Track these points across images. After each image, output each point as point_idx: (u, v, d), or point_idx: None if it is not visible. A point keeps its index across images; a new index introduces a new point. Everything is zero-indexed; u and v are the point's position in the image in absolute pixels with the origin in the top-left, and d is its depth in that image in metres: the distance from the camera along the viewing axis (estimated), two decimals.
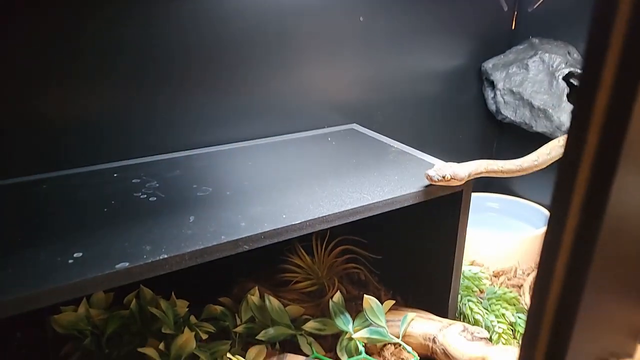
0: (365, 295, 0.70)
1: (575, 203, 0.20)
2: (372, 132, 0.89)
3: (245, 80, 0.80)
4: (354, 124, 0.95)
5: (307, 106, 0.89)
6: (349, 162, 0.73)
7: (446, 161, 0.70)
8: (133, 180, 0.64)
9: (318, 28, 0.84)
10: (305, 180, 0.65)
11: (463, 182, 0.64)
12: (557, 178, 0.21)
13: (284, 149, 0.79)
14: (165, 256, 0.45)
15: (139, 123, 0.74)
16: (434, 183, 0.62)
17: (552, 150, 0.70)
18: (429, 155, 0.76)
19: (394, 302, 0.74)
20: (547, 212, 1.05)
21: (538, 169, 0.70)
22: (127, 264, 0.44)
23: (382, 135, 0.87)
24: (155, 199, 0.58)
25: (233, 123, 0.81)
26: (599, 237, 0.20)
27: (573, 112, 0.20)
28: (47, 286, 0.39)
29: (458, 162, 0.67)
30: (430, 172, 0.62)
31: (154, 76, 0.73)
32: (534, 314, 0.23)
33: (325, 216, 0.55)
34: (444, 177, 0.62)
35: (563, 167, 0.20)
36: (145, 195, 0.59)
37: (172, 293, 0.66)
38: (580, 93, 0.19)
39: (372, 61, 0.93)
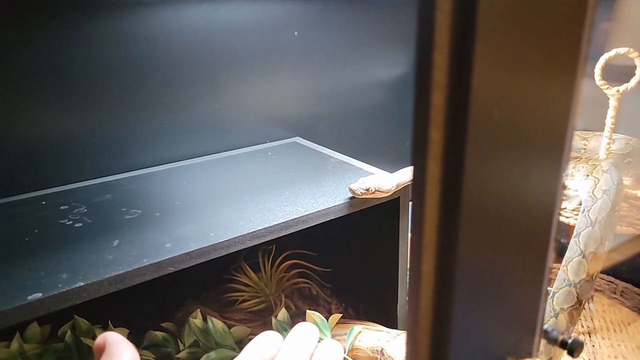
0: (307, 311, 0.69)
1: (431, 177, 0.20)
2: (314, 144, 0.89)
3: (177, 100, 0.79)
4: (297, 137, 0.95)
5: (246, 122, 0.89)
6: (286, 175, 0.72)
7: (393, 170, 0.70)
8: (61, 207, 0.62)
9: (251, 44, 0.84)
10: (238, 196, 0.64)
11: (389, 193, 0.63)
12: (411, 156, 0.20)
13: (221, 166, 0.78)
14: (82, 284, 0.44)
15: (69, 148, 0.72)
16: (357, 196, 0.61)
17: None
18: (368, 165, 0.77)
19: (340, 315, 0.74)
20: None
21: None
22: (40, 294, 0.42)
23: (324, 147, 0.87)
24: (81, 224, 0.57)
25: (167, 143, 0.80)
26: (461, 208, 0.19)
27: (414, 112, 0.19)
28: None
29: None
30: (353, 186, 0.61)
31: (83, 100, 0.71)
32: (412, 319, 0.22)
33: (254, 231, 0.54)
34: (367, 190, 0.61)
35: (414, 147, 0.20)
36: (71, 222, 0.57)
37: (109, 321, 0.64)
38: (417, 73, 0.19)
39: (312, 73, 0.94)
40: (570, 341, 0.28)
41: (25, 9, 0.64)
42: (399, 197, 0.67)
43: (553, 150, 0.23)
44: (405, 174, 0.67)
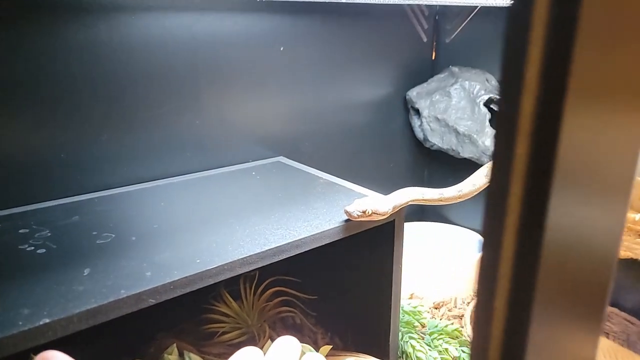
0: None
1: (509, 228, 0.18)
2: (299, 164, 0.85)
3: (155, 115, 0.73)
4: (281, 156, 0.90)
5: (228, 140, 0.83)
6: (274, 196, 0.67)
7: (377, 190, 0.67)
8: (20, 231, 0.55)
9: (235, 59, 0.80)
10: (223, 219, 0.59)
11: (386, 215, 0.59)
12: (486, 205, 0.18)
13: (202, 186, 0.72)
14: (47, 320, 0.37)
15: (30, 164, 0.65)
16: (353, 219, 0.57)
17: (477, 180, 0.68)
18: (358, 186, 0.72)
19: (330, 347, 0.69)
20: (480, 237, 1.05)
21: (462, 199, 0.68)
22: None
23: (309, 167, 0.83)
24: (44, 250, 0.50)
25: (143, 160, 0.73)
26: (540, 261, 0.18)
27: (495, 137, 0.17)
28: None
29: (390, 191, 0.64)
30: (349, 208, 0.56)
31: (51, 112, 0.64)
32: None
33: (245, 257, 0.49)
34: (364, 212, 0.56)
35: (491, 194, 0.18)
36: (33, 247, 0.50)
37: None
38: (500, 119, 0.17)
39: (296, 92, 0.90)
40: None
41: None
42: (393, 220, 0.63)
43: (621, 193, 0.22)
44: (402, 196, 0.63)
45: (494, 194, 0.18)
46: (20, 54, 0.61)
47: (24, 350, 0.37)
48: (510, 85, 0.16)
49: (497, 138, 0.17)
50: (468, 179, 0.69)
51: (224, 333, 0.74)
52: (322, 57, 0.91)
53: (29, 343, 0.37)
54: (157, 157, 0.75)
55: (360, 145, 1.04)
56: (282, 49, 0.85)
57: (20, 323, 0.37)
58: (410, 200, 0.64)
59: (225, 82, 0.80)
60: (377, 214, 0.58)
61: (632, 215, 0.67)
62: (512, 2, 0.15)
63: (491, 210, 0.18)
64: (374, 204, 0.58)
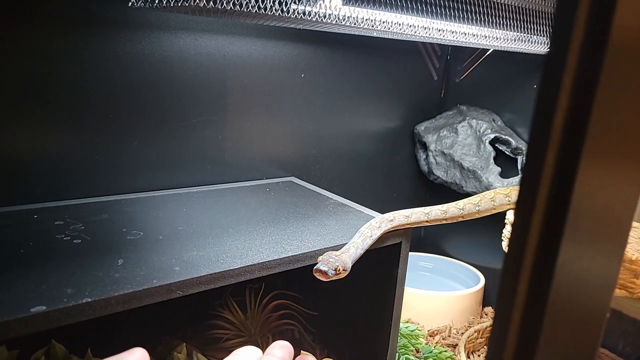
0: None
1: (527, 260, 0.21)
2: (310, 184, 0.90)
3: (182, 127, 0.78)
4: (292, 176, 0.95)
5: (245, 157, 0.88)
6: (288, 211, 0.72)
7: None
8: (55, 222, 0.59)
9: (260, 81, 0.85)
10: (243, 227, 0.63)
11: (348, 271, 0.54)
12: (507, 251, 0.22)
13: (221, 197, 0.77)
14: (89, 300, 0.41)
15: (66, 164, 0.69)
16: (327, 279, 0.51)
17: (465, 205, 0.69)
18: (367, 208, 0.77)
19: None
20: (476, 272, 1.08)
21: (448, 221, 0.69)
22: (44, 307, 0.39)
23: (319, 188, 0.87)
24: (79, 241, 0.54)
25: (166, 169, 0.78)
26: (550, 292, 0.21)
27: (520, 187, 0.21)
28: None
29: None
30: (323, 267, 0.50)
31: (85, 117, 0.69)
32: None
33: (265, 262, 0.53)
34: (336, 270, 0.51)
35: (515, 227, 0.21)
36: (69, 237, 0.54)
37: (89, 349, 0.60)
38: (527, 167, 0.21)
39: (311, 117, 0.96)
40: None
41: (59, 20, 0.64)
42: (400, 241, 0.67)
43: (620, 237, 0.25)
44: (356, 249, 0.58)
45: (517, 229, 0.21)
46: (74, 62, 0.66)
47: (59, 334, 0.40)
48: (540, 133, 0.20)
49: (526, 177, 0.21)
50: (470, 198, 0.71)
51: (227, 340, 0.77)
52: (338, 86, 0.97)
53: (71, 319, 0.40)
54: (180, 166, 0.79)
55: (366, 173, 1.08)
56: (302, 75, 0.91)
57: (65, 300, 0.40)
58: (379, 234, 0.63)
59: (249, 102, 0.85)
60: (346, 270, 0.53)
61: (629, 255, 0.71)
62: (549, 49, 0.19)
63: (514, 242, 0.21)
64: (342, 259, 0.53)
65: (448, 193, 1.10)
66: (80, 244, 0.53)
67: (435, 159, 1.06)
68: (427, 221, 0.68)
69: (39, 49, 0.64)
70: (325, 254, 0.53)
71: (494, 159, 0.98)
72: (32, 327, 0.38)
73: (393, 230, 0.65)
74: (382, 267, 0.70)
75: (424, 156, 1.09)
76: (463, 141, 1.02)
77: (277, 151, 0.93)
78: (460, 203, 0.69)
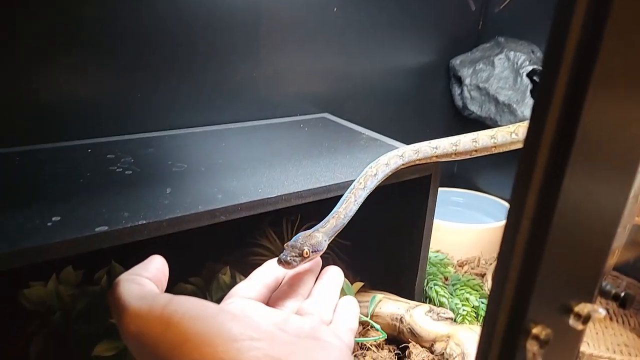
0: None
1: (532, 191, 0.23)
2: (343, 120, 0.92)
3: (218, 65, 0.81)
4: (326, 113, 0.97)
5: (279, 94, 0.91)
6: (321, 146, 0.75)
7: None
8: (108, 156, 0.64)
9: (293, 17, 0.86)
10: (278, 160, 0.66)
11: (323, 251, 0.48)
12: (517, 168, 0.23)
13: (256, 133, 0.80)
14: (144, 222, 0.46)
15: (112, 103, 0.73)
16: (293, 269, 0.43)
17: (479, 138, 0.67)
18: (399, 142, 0.79)
19: (362, 284, 0.77)
20: (508, 206, 1.10)
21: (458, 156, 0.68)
22: (106, 227, 0.44)
23: (352, 124, 0.89)
24: (131, 172, 0.59)
25: (204, 106, 0.82)
26: (553, 222, 0.23)
27: (533, 107, 0.22)
28: (28, 244, 0.40)
29: None
30: (283, 257, 0.43)
31: (129, 59, 0.73)
32: (496, 293, 0.25)
33: (300, 191, 0.56)
34: (301, 255, 0.43)
35: (523, 157, 0.23)
36: (121, 169, 0.60)
37: (112, 261, 0.66)
38: (540, 90, 0.22)
39: (344, 52, 0.96)
40: (622, 294, 0.31)
41: None
42: (430, 173, 0.70)
43: (629, 165, 0.26)
44: (336, 220, 0.54)
45: (526, 153, 0.22)
46: (114, 5, 0.69)
47: (99, 257, 0.45)
48: (553, 57, 0.21)
49: (536, 105, 0.22)
50: (485, 131, 0.69)
51: None
52: (372, 21, 0.96)
53: (129, 238, 0.46)
54: (217, 103, 0.83)
55: (400, 109, 1.09)
56: (335, 10, 0.91)
57: (124, 222, 0.46)
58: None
59: (282, 38, 0.87)
60: (317, 251, 0.47)
61: None
62: None
63: (521, 171, 0.23)
64: (310, 242, 0.47)
65: (482, 128, 1.09)
66: (132, 175, 0.58)
67: (470, 94, 1.05)
68: (435, 156, 0.68)
69: None
70: (298, 234, 0.47)
71: (530, 92, 0.97)
72: (96, 245, 0.43)
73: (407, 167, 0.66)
74: (412, 199, 0.73)
75: (459, 91, 1.09)
76: (499, 74, 1.00)
77: (310, 88, 0.94)
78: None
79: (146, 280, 0.29)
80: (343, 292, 0.72)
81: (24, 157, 0.62)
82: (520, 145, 0.66)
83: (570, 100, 0.21)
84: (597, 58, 0.21)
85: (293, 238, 0.46)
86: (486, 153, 0.68)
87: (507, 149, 0.67)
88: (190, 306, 0.26)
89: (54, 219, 0.45)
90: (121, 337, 0.27)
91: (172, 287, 0.70)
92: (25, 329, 0.62)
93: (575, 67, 0.21)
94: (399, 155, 0.65)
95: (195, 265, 0.82)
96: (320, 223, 0.53)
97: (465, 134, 0.69)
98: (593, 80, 0.21)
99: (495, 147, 0.67)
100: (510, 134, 0.66)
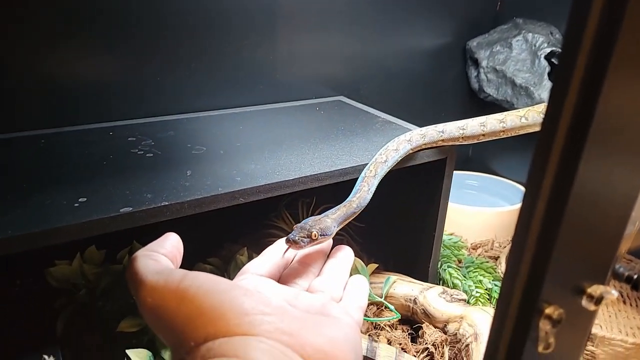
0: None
1: (548, 174, 0.23)
2: (358, 103, 0.92)
3: (235, 49, 0.81)
4: (341, 96, 0.97)
5: (296, 77, 0.91)
6: (337, 129, 0.75)
7: None
8: (129, 139, 0.66)
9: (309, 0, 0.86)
10: (295, 143, 0.67)
11: (331, 235, 0.46)
12: (534, 151, 0.23)
13: (274, 116, 0.81)
14: (166, 203, 0.47)
15: (133, 86, 0.75)
16: (300, 249, 0.41)
17: (488, 121, 0.66)
18: (414, 125, 0.79)
19: (376, 265, 0.78)
20: (523, 189, 1.10)
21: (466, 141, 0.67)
22: (130, 208, 0.46)
23: (368, 107, 0.90)
24: (151, 155, 0.60)
25: (222, 90, 0.83)
26: (568, 205, 0.23)
27: (551, 90, 0.23)
28: (56, 225, 0.41)
29: None
30: (292, 236, 0.41)
31: (149, 43, 0.74)
32: (510, 273, 0.26)
33: (317, 174, 0.57)
34: (310, 237, 0.42)
35: (540, 140, 0.23)
36: (142, 152, 0.61)
37: (134, 241, 0.68)
38: (558, 74, 0.22)
39: (360, 36, 0.96)
40: (635, 277, 0.31)
41: None
42: (445, 157, 0.70)
43: None
44: (347, 209, 0.54)
45: (544, 136, 0.23)
46: None
47: (122, 237, 0.47)
48: (572, 42, 0.21)
49: (554, 88, 0.22)
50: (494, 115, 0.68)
51: None
52: (387, 3, 0.96)
53: (152, 219, 0.47)
54: (234, 87, 0.84)
55: (415, 92, 1.09)
56: None
57: (147, 203, 0.47)
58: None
59: (298, 22, 0.87)
60: (326, 235, 0.45)
61: None
62: None
63: (538, 154, 0.23)
64: (322, 227, 0.45)
65: (498, 111, 1.08)
66: (152, 157, 0.59)
67: (486, 76, 1.04)
68: (442, 140, 0.67)
69: None
70: (308, 218, 0.47)
71: (548, 74, 0.96)
72: (121, 225, 0.45)
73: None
74: (427, 181, 0.73)
75: (475, 73, 1.08)
76: (517, 56, 0.99)
77: (326, 71, 0.94)
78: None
79: (162, 257, 0.30)
80: (357, 272, 0.73)
81: (49, 139, 0.64)
82: (530, 130, 0.66)
83: (589, 84, 0.22)
84: (617, 42, 0.21)
85: (303, 221, 0.46)
86: (495, 137, 0.66)
87: (516, 134, 0.65)
88: (204, 281, 0.27)
89: (80, 199, 0.47)
90: (139, 311, 0.28)
91: (192, 266, 0.72)
92: (52, 305, 0.65)
93: (594, 52, 0.21)
94: (407, 139, 0.65)
95: (213, 246, 0.84)
96: (331, 210, 0.52)
97: (473, 118, 0.68)
98: (612, 65, 0.21)
99: (503, 131, 0.65)
100: (520, 118, 0.65)
